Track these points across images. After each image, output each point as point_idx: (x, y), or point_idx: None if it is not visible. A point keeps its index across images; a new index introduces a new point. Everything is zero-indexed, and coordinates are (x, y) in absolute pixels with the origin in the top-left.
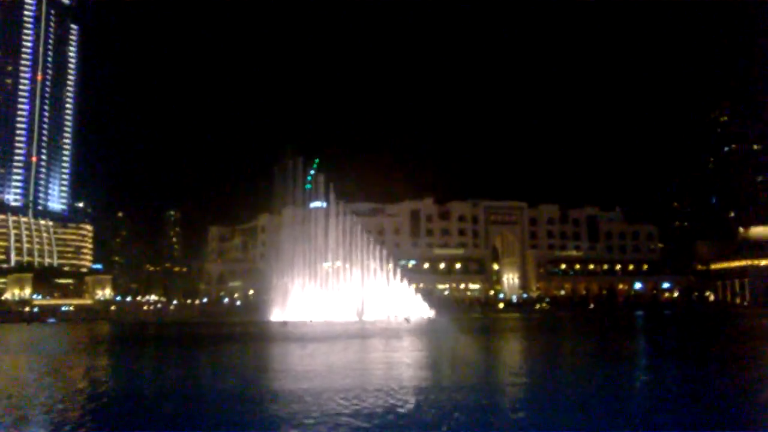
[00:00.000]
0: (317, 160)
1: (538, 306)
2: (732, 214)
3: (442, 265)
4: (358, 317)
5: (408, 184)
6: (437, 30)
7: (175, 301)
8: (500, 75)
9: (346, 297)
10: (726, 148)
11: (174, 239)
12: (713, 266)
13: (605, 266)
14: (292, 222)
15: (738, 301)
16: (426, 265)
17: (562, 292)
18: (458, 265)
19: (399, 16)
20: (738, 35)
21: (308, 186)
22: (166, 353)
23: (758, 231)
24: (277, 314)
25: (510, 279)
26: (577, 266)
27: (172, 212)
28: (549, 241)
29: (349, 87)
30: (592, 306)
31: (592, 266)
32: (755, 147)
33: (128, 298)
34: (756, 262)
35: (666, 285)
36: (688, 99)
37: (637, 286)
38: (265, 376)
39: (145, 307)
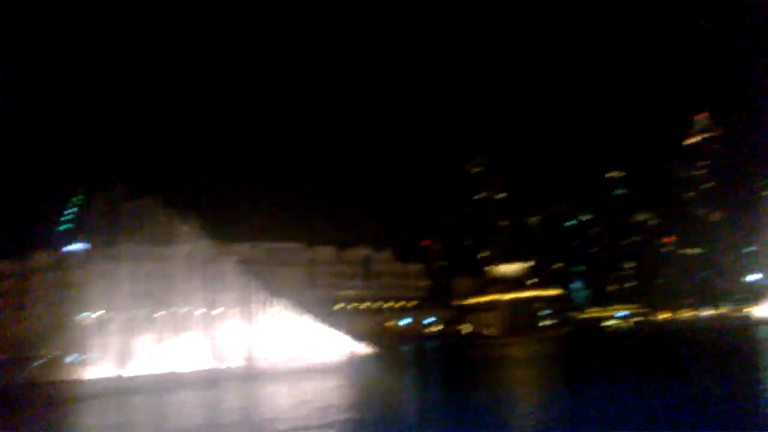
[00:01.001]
0: (80, 196)
1: None
2: (482, 254)
3: (221, 309)
4: (119, 372)
5: (186, 226)
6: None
7: None
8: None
9: (105, 349)
10: (476, 196)
11: None
12: (468, 301)
13: (378, 304)
14: (44, 266)
15: (489, 331)
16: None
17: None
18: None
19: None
20: (489, 94)
21: (67, 225)
22: None
23: (503, 269)
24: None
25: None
26: (354, 305)
27: None
28: (326, 280)
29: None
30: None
31: (366, 304)
32: (499, 196)
33: None
34: (502, 296)
35: (430, 319)
36: (447, 151)
37: (406, 321)
38: None
39: None
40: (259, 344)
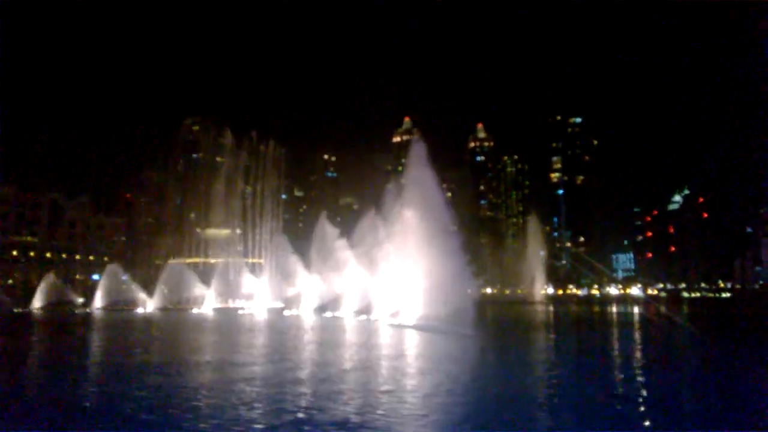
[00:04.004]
0: None
1: None
2: (192, 216)
3: None
4: None
5: None
6: None
7: None
8: None
9: None
10: (195, 155)
11: None
12: (171, 261)
13: (65, 255)
14: None
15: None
16: None
17: (10, 281)
18: None
19: None
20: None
21: None
22: None
23: (213, 232)
24: None
25: None
26: (32, 254)
27: None
28: (1, 224)
29: None
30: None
31: (49, 254)
32: (219, 159)
33: None
34: (208, 259)
35: (124, 277)
36: (162, 104)
37: (96, 277)
38: None
39: None
40: None
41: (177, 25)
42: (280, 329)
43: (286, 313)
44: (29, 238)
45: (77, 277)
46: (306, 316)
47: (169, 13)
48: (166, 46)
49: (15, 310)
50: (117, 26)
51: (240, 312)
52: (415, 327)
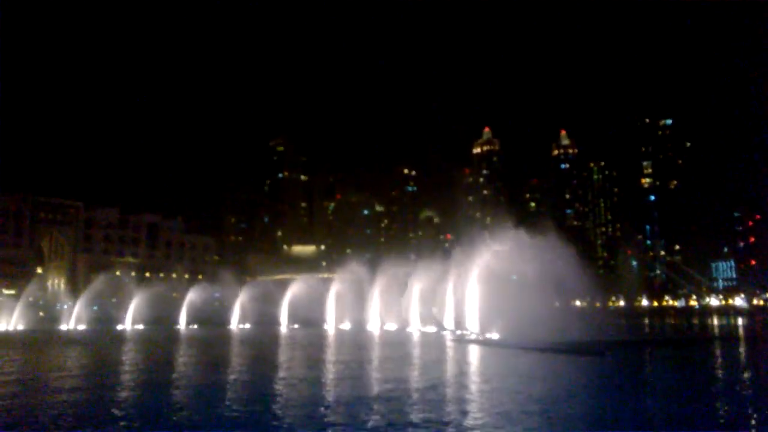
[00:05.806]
0: None
1: None
2: (279, 233)
3: None
4: None
5: None
6: None
7: None
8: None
9: None
10: (280, 175)
11: None
12: (260, 278)
13: (162, 274)
14: None
15: None
16: None
17: (113, 300)
18: None
19: None
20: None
21: None
22: None
23: (298, 249)
24: None
25: (56, 284)
26: (134, 273)
27: None
28: (105, 245)
29: None
30: None
31: (148, 274)
32: (302, 177)
33: None
34: (296, 275)
35: (216, 294)
36: (248, 127)
37: (192, 295)
38: None
39: None
40: None
41: (259, 49)
42: (360, 344)
43: (369, 328)
44: (131, 259)
45: (174, 295)
46: (377, 331)
47: (250, 39)
48: (250, 71)
49: (118, 328)
50: (207, 53)
51: (325, 328)
52: (501, 344)
